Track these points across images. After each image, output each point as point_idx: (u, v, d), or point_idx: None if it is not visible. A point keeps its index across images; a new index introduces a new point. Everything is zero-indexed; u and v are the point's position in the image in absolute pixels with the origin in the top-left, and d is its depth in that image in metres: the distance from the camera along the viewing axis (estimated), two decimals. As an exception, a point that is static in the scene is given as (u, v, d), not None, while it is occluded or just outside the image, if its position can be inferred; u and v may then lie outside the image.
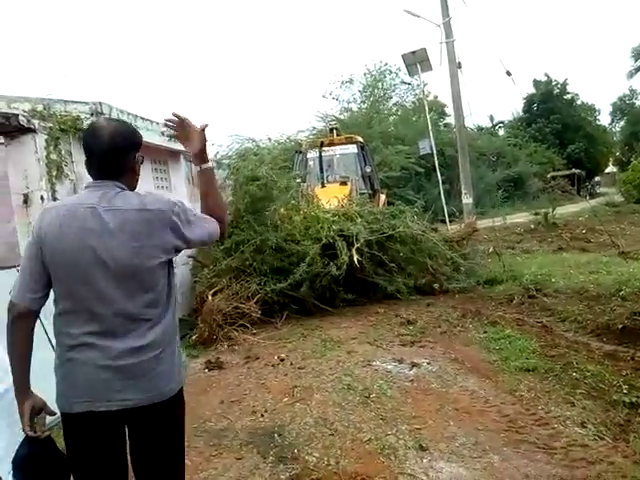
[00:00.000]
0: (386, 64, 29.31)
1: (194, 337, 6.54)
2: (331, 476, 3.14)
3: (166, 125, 2.16)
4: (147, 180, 7.22)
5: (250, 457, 3.47)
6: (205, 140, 2.13)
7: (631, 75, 36.25)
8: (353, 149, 12.28)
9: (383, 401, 4.21)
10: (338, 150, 12.22)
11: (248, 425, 3.97)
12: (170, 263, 1.99)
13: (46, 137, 5.39)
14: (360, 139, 12.72)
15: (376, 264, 7.78)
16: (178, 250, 1.99)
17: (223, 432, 3.88)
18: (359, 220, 7.91)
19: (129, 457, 1.97)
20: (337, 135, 13.01)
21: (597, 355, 5.07)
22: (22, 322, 1.90)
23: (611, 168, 49.51)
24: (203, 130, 2.12)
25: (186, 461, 2.13)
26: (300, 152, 12.35)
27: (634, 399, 4.06)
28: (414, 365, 5.00)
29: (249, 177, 7.73)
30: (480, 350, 5.48)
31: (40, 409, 1.91)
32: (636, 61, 35.11)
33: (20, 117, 5.00)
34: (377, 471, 3.17)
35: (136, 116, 7.00)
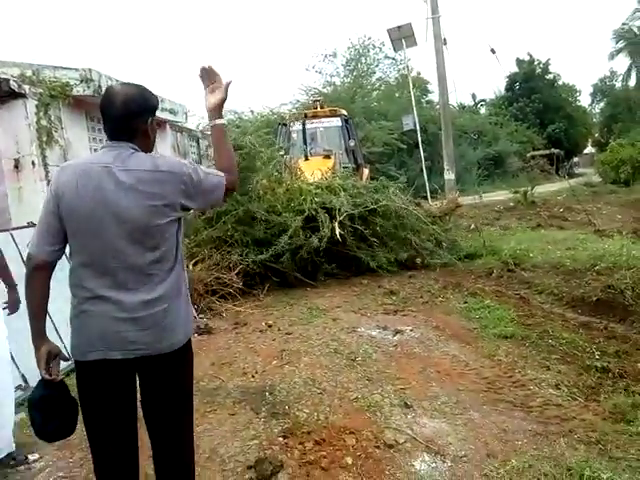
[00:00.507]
0: (370, 38, 29.05)
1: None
2: (321, 430, 3.30)
3: (201, 73, 2.22)
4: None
5: (243, 413, 3.61)
6: (226, 96, 2.22)
7: (612, 57, 36.69)
8: (337, 122, 12.27)
9: (368, 364, 4.37)
10: (322, 123, 12.21)
11: (240, 385, 4.10)
12: (179, 221, 2.08)
13: (36, 103, 5.35)
14: (344, 112, 12.72)
15: (359, 238, 7.81)
16: (187, 209, 2.08)
17: (216, 391, 4.01)
18: (342, 193, 7.90)
19: (140, 405, 2.09)
20: (321, 108, 12.99)
21: (572, 325, 5.31)
22: (39, 273, 2.00)
23: (590, 149, 50.06)
24: (227, 86, 2.22)
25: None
26: (284, 124, 12.31)
27: (605, 364, 4.31)
28: (397, 332, 5.16)
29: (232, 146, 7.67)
30: (460, 318, 5.68)
31: (55, 355, 2.02)
32: (617, 43, 35.49)
33: (11, 82, 4.97)
34: (364, 425, 3.34)
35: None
